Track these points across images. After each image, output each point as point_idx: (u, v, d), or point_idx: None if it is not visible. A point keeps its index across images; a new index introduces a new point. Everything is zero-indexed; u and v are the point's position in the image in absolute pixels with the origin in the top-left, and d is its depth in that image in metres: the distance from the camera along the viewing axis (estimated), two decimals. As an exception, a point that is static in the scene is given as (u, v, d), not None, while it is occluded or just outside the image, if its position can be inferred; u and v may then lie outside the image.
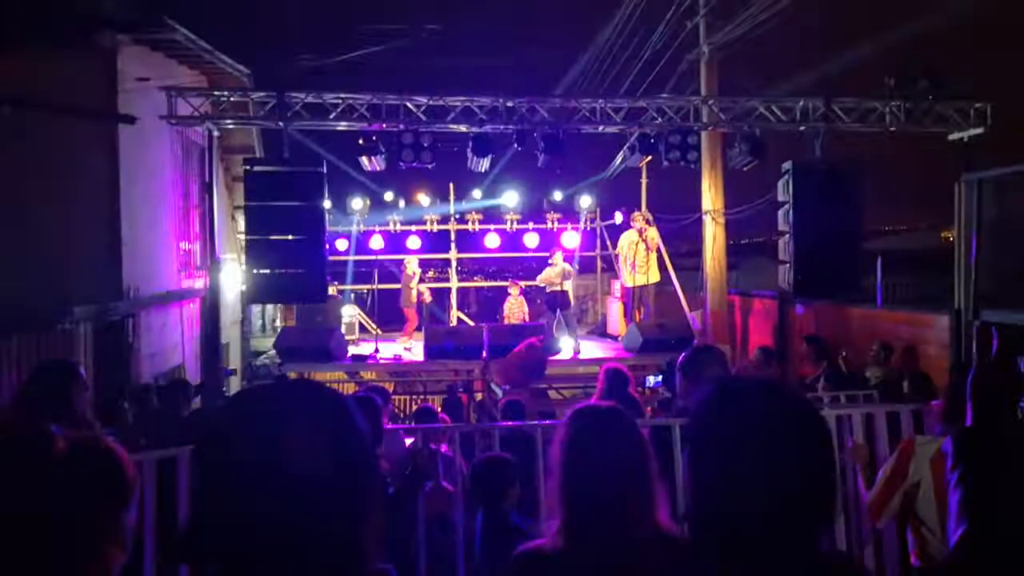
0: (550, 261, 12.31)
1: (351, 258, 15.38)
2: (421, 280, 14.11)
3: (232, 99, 9.85)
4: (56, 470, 1.36)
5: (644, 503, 1.98)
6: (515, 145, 9.96)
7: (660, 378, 7.38)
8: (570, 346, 11.87)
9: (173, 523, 3.53)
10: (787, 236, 10.28)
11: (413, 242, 15.34)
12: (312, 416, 1.22)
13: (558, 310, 12.04)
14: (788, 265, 10.28)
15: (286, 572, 1.15)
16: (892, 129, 10.21)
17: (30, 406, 3.29)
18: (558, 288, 12.15)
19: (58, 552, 1.30)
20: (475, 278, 17.15)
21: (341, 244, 15.13)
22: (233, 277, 12.83)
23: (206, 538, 1.17)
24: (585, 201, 15.19)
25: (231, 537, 1.16)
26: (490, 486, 3.54)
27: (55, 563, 1.28)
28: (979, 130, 10.24)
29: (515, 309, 13.60)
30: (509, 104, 9.97)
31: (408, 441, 4.81)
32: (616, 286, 13.79)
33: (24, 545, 1.30)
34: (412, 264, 13.83)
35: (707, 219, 12.43)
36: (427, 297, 14.06)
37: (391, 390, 10.96)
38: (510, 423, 5.18)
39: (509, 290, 14.18)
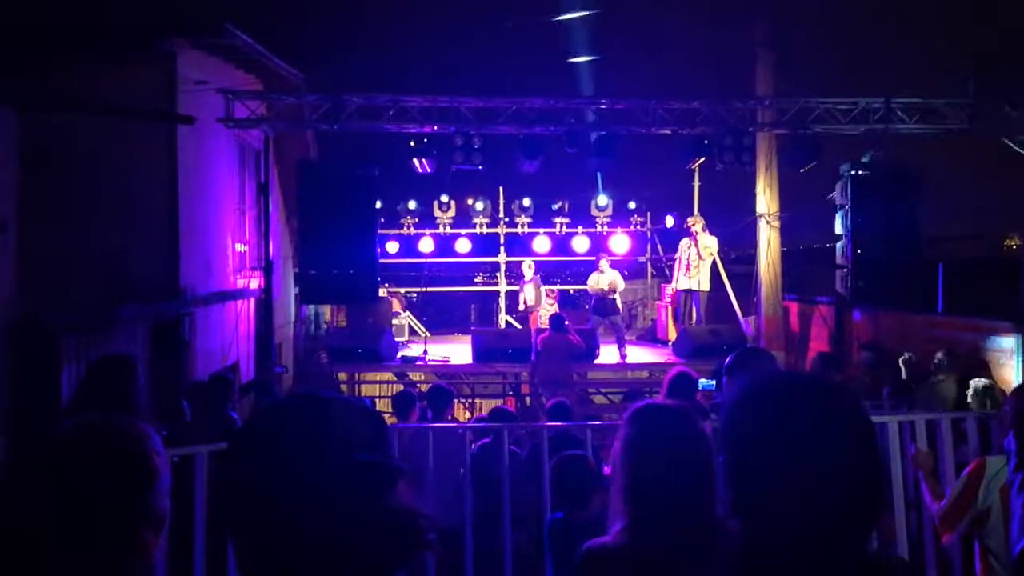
0: (598, 267, 12.16)
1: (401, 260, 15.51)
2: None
3: (287, 102, 9.99)
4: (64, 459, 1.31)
5: (707, 501, 1.96)
6: (566, 148, 9.91)
7: (712, 382, 7.25)
8: (614, 351, 11.73)
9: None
10: (844, 240, 10.05)
11: (463, 245, 15.38)
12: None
13: (607, 316, 11.90)
14: (846, 270, 10.05)
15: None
16: (959, 130, 9.87)
17: (91, 400, 3.34)
18: (606, 295, 12.03)
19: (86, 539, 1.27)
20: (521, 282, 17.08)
21: (391, 246, 15.25)
22: (287, 278, 13.03)
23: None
24: (633, 204, 15.07)
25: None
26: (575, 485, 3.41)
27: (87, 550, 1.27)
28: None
29: (532, 296, 13.50)
30: (560, 106, 9.93)
31: None
32: (667, 290, 13.64)
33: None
34: (529, 267, 13.88)
35: (761, 222, 12.21)
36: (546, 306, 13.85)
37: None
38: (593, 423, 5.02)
39: (523, 271, 13.95)
